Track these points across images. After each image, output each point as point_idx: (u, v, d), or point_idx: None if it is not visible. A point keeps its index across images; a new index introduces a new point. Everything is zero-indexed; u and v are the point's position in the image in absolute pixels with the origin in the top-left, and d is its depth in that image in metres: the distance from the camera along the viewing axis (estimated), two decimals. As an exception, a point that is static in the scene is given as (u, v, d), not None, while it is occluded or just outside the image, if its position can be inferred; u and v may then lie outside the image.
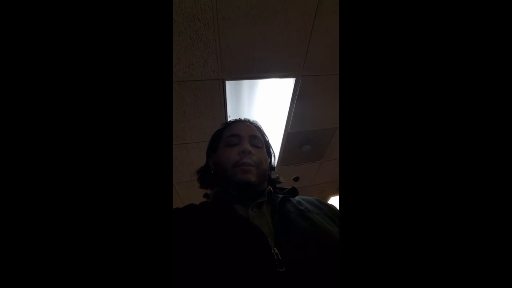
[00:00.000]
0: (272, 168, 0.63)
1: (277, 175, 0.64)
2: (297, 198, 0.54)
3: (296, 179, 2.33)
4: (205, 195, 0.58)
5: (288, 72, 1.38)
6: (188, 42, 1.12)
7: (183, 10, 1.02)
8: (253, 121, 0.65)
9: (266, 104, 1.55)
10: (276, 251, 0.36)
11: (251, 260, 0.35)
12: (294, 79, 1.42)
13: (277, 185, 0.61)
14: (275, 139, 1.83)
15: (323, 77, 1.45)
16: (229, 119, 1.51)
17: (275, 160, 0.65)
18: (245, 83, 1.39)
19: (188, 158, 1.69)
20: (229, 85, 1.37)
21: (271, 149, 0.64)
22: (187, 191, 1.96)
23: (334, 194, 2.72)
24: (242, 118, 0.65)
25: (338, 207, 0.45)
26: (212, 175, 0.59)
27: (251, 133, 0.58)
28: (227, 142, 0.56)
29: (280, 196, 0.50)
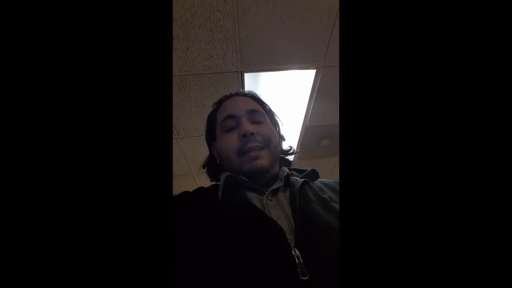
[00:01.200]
0: (282, 138, 0.53)
1: (290, 146, 0.54)
2: (317, 183, 0.45)
3: (314, 173, 2.29)
4: (215, 185, 0.50)
5: (309, 64, 1.33)
6: (208, 34, 1.12)
7: (204, 1, 1.01)
8: (247, 91, 0.54)
9: (285, 96, 1.52)
10: (298, 253, 0.29)
11: (267, 264, 0.28)
12: (315, 70, 1.37)
13: (291, 160, 0.53)
14: (293, 132, 1.80)
15: (345, 69, 1.39)
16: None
17: (283, 127, 0.55)
18: (264, 75, 1.38)
19: (207, 149, 1.73)
20: (248, 77, 1.36)
21: (275, 117, 0.54)
22: (207, 181, 2.02)
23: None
24: (233, 92, 0.54)
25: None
26: (219, 165, 0.51)
27: (249, 107, 0.48)
28: (223, 126, 0.47)
29: (300, 180, 0.42)
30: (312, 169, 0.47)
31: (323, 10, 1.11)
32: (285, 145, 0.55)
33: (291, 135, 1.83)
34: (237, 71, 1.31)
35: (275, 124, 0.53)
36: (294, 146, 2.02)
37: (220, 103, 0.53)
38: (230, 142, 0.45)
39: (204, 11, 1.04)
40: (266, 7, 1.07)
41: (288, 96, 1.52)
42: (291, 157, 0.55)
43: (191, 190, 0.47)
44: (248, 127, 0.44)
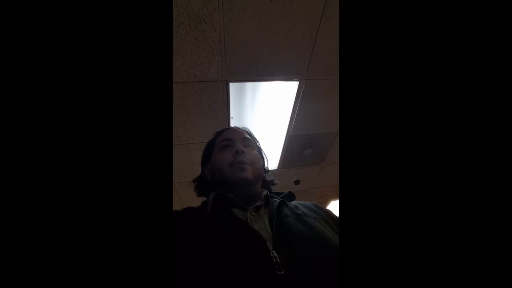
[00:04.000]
0: (265, 170, 0.64)
1: (272, 178, 0.65)
2: (293, 202, 0.54)
3: (297, 182, 2.32)
4: (203, 202, 0.58)
5: (292, 76, 1.38)
6: (194, 43, 1.13)
7: (190, 12, 1.03)
8: (243, 127, 0.68)
9: (269, 106, 1.55)
10: (275, 254, 0.36)
11: (250, 263, 0.35)
12: (298, 82, 1.43)
13: (273, 188, 0.63)
14: (277, 141, 1.83)
15: (326, 81, 1.46)
16: (231, 120, 1.52)
17: (267, 163, 0.67)
18: (249, 85, 1.40)
19: (190, 158, 1.70)
20: (233, 87, 1.38)
21: (263, 153, 0.66)
22: (188, 192, 1.96)
23: (334, 198, 2.70)
24: (232, 126, 0.68)
25: (337, 212, 0.45)
26: (208, 183, 0.60)
27: (242, 136, 0.61)
28: (220, 146, 0.59)
29: (278, 200, 0.50)
30: (289, 191, 0.57)
31: (304, 28, 1.18)
32: (268, 178, 0.65)
33: (275, 145, 1.85)
34: (222, 80, 1.33)
35: (262, 157, 0.64)
36: (278, 155, 2.02)
37: (220, 132, 0.65)
38: (224, 156, 0.55)
39: (191, 22, 1.06)
40: (251, 21, 1.11)
41: (272, 106, 1.56)
42: (272, 186, 0.65)
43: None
44: (240, 146, 0.56)
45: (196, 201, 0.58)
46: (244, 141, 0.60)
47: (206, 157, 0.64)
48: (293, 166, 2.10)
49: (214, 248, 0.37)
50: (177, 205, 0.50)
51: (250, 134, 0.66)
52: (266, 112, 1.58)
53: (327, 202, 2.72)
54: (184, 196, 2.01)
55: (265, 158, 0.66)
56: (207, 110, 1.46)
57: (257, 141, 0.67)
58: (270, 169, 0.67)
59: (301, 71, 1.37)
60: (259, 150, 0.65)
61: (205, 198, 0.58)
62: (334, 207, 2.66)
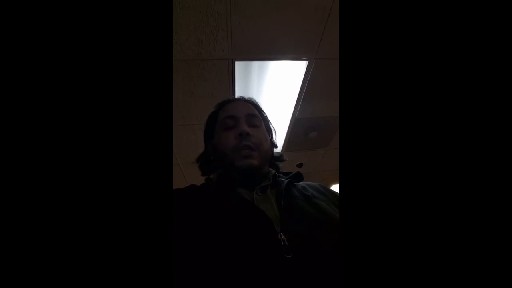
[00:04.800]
0: (274, 145, 0.59)
1: (280, 153, 0.60)
2: (301, 183, 0.52)
3: (300, 165, 2.32)
4: (208, 179, 0.56)
5: (301, 55, 1.31)
6: (198, 16, 1.06)
7: (194, -19, 0.95)
8: (248, 98, 0.60)
9: (275, 87, 1.50)
10: (283, 237, 0.34)
11: (257, 246, 0.34)
12: (307, 62, 1.36)
13: (280, 165, 0.59)
14: (282, 123, 1.80)
15: (336, 61, 1.38)
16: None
17: (276, 136, 0.61)
18: (255, 64, 1.34)
19: (194, 139, 1.69)
20: (239, 65, 1.32)
21: (270, 125, 0.60)
22: (192, 172, 1.99)
23: (336, 182, 2.73)
24: (236, 96, 0.61)
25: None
26: (212, 161, 0.56)
27: (248, 111, 0.54)
28: (223, 125, 0.52)
29: (286, 180, 0.48)
30: (297, 172, 0.53)
31: (318, 1, 1.08)
32: (276, 152, 0.61)
33: (280, 127, 1.82)
34: (227, 59, 1.27)
35: (269, 131, 0.58)
36: (282, 137, 1.99)
37: (222, 105, 0.58)
38: (227, 139, 0.50)
39: (194, -8, 0.98)
40: (260, -8, 1.02)
41: (278, 87, 1.50)
42: (280, 163, 0.61)
43: (176, 180, 0.49)
44: (245, 128, 0.50)
45: (200, 182, 0.56)
46: (250, 119, 0.53)
47: (209, 132, 0.58)
48: (297, 149, 2.09)
49: (218, 230, 0.36)
50: (182, 185, 0.49)
51: (256, 106, 0.59)
52: (272, 93, 1.53)
53: (329, 185, 2.75)
54: (189, 176, 2.04)
55: (273, 131, 0.60)
56: (211, 90, 1.42)
57: (264, 112, 0.59)
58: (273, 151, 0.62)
59: (312, 50, 1.29)
60: (267, 124, 0.59)
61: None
62: (336, 190, 2.69)
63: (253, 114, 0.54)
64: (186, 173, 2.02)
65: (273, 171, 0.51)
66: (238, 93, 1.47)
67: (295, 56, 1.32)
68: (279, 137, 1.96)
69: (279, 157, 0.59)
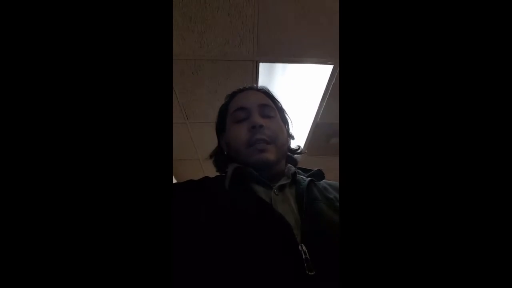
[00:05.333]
0: (291, 137, 0.54)
1: (297, 146, 0.55)
2: (323, 182, 0.46)
3: (319, 171, 2.27)
4: (222, 171, 0.51)
5: (327, 58, 1.29)
6: (226, 18, 1.09)
7: (225, -17, 0.98)
8: (260, 87, 0.55)
9: (298, 90, 1.48)
10: (304, 248, 0.29)
11: (274, 258, 0.29)
12: (332, 66, 1.33)
13: (298, 159, 0.53)
14: (303, 128, 1.77)
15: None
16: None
17: (292, 127, 0.55)
18: (279, 67, 1.34)
19: (215, 138, 1.73)
20: (263, 67, 1.33)
21: (286, 115, 0.54)
22: (213, 169, 2.04)
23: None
24: (247, 85, 0.55)
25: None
26: (226, 156, 0.52)
27: (260, 101, 0.49)
28: (234, 117, 0.48)
29: (306, 179, 0.42)
30: (318, 169, 0.47)
31: (348, 2, 1.06)
32: (293, 144, 0.55)
33: (300, 131, 1.80)
34: (252, 60, 1.28)
35: (285, 121, 0.53)
36: (303, 142, 1.95)
37: (233, 95, 0.54)
38: (239, 133, 0.46)
39: (225, -6, 1.01)
40: (289, -6, 1.02)
41: (301, 90, 1.48)
42: (298, 157, 0.55)
43: (195, 175, 0.48)
44: (257, 119, 0.45)
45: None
46: (263, 110, 0.47)
47: (220, 125, 0.53)
48: (317, 154, 2.04)
49: (231, 235, 0.31)
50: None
51: (269, 94, 0.53)
52: (294, 96, 1.52)
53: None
54: (210, 173, 2.09)
55: (289, 121, 0.54)
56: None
57: (278, 102, 0.54)
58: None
59: (337, 54, 1.26)
60: (282, 114, 0.53)
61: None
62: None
63: (266, 104, 0.49)
64: (206, 170, 2.07)
65: (293, 168, 0.46)
66: (260, 94, 1.48)
67: (320, 60, 1.29)
68: (300, 142, 1.93)
69: (297, 149, 0.54)
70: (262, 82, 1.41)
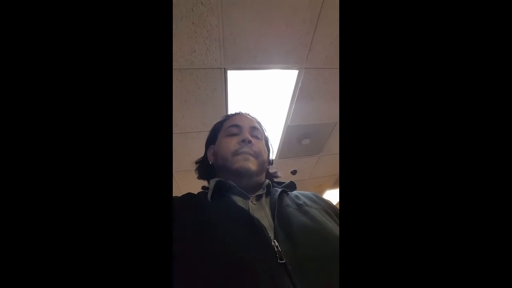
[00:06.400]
0: (270, 162, 0.63)
1: (275, 170, 0.65)
2: (294, 192, 0.54)
3: (294, 172, 2.34)
4: (203, 188, 0.58)
5: (291, 64, 1.35)
6: (191, 27, 1.09)
7: (187, -7, 0.98)
8: (252, 116, 0.66)
9: (267, 95, 1.53)
10: (276, 243, 0.36)
11: (253, 252, 0.35)
12: (297, 71, 1.40)
13: (275, 180, 0.62)
14: (275, 131, 1.82)
15: (326, 71, 1.43)
16: (228, 110, 1.50)
17: (273, 155, 0.66)
18: (247, 73, 1.37)
19: (188, 147, 1.69)
20: (231, 74, 1.35)
21: (269, 144, 0.65)
22: (186, 181, 1.96)
23: (330, 188, 2.74)
24: (243, 111, 0.66)
25: (334, 201, 0.45)
26: (210, 166, 0.59)
27: (252, 124, 0.60)
28: (227, 132, 0.57)
29: (279, 189, 0.50)
30: (290, 181, 0.57)
31: (306, 14, 1.14)
32: (271, 170, 0.64)
33: (273, 134, 1.84)
34: (220, 68, 1.29)
35: (268, 148, 0.64)
36: (276, 145, 2.00)
37: (229, 116, 0.64)
38: (230, 144, 0.54)
39: (187, 2, 1.01)
40: (251, 5, 1.06)
41: (271, 95, 1.53)
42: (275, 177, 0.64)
43: None
44: (248, 136, 0.55)
45: (194, 191, 0.57)
46: (253, 131, 0.58)
47: (211, 139, 0.62)
48: (290, 156, 2.10)
49: (216, 236, 0.37)
50: (175, 194, 0.49)
51: (259, 123, 0.65)
52: (265, 101, 1.56)
53: (323, 192, 2.76)
54: (183, 185, 2.01)
55: (271, 150, 0.65)
56: (205, 99, 1.43)
57: (265, 131, 0.66)
58: (267, 159, 0.67)
59: (301, 60, 1.34)
60: (266, 141, 0.64)
61: (205, 181, 0.59)
62: (330, 196, 2.70)
63: (256, 127, 0.60)
64: (179, 182, 2.00)
65: (268, 181, 0.54)
66: (231, 101, 1.49)
67: (285, 65, 1.35)
68: (273, 145, 1.97)
69: (274, 173, 0.64)
70: (231, 89, 1.43)
